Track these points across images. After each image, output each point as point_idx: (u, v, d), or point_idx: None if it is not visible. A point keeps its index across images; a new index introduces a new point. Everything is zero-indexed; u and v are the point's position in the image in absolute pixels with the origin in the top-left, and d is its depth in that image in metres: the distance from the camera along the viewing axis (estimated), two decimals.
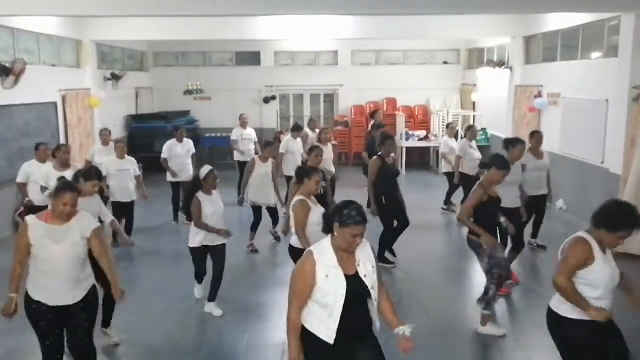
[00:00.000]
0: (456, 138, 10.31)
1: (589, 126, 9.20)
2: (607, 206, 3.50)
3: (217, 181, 5.76)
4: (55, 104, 10.49)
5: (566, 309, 3.50)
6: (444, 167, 10.26)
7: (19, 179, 7.43)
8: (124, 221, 8.02)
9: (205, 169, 5.72)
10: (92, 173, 5.44)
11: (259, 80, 15.98)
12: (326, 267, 3.11)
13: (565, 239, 3.62)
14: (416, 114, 15.99)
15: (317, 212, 4.96)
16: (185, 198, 5.76)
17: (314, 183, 5.17)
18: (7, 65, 8.54)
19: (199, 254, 5.84)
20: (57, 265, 3.82)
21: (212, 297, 5.87)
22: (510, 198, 6.29)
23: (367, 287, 3.16)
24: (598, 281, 3.44)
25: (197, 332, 5.56)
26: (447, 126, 10.57)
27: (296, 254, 4.94)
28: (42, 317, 3.89)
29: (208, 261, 5.92)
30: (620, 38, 8.33)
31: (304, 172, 5.33)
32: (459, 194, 9.63)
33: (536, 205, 7.42)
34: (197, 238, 5.74)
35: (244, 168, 9.10)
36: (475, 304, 5.83)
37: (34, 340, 5.16)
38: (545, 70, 11.03)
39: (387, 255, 7.35)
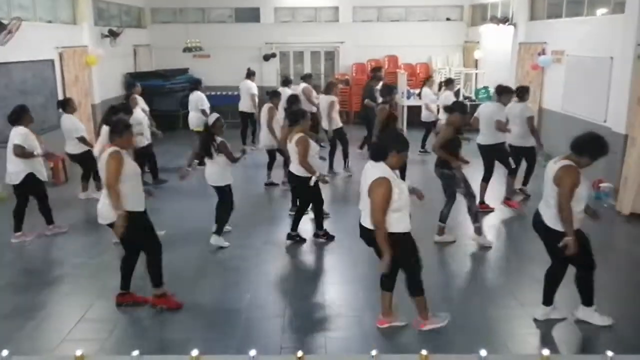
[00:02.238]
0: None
1: (593, 84, 9.10)
2: (590, 138, 4.44)
3: (224, 128, 6.59)
4: (52, 61, 10.37)
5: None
6: (424, 117, 11.58)
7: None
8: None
9: (213, 116, 6.63)
10: (129, 107, 7.96)
11: (259, 37, 15.73)
12: (397, 184, 4.22)
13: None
14: (418, 71, 15.80)
15: (314, 144, 6.53)
16: (201, 142, 6.63)
17: (308, 122, 6.60)
18: (4, 21, 8.37)
19: (230, 190, 6.67)
20: (139, 174, 5.14)
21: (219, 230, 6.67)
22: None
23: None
24: (582, 196, 4.36)
25: (199, 290, 5.63)
26: (428, 79, 12.13)
27: (297, 179, 6.55)
28: (148, 220, 5.05)
29: None
30: None
31: (299, 114, 6.64)
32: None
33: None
34: (228, 175, 6.60)
35: (252, 119, 11.49)
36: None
37: (40, 296, 5.27)
38: (550, 27, 10.84)
39: None
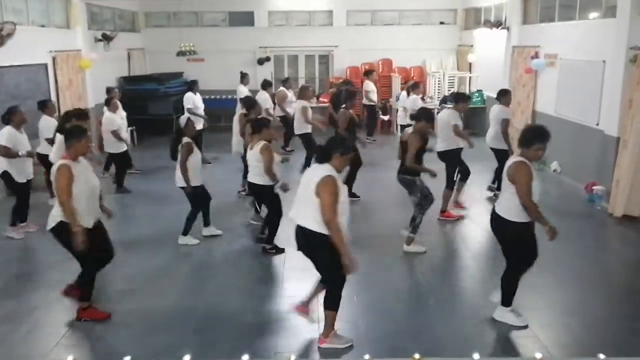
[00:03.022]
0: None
1: (585, 88, 9.14)
2: (525, 129, 4.77)
3: (194, 126, 6.77)
4: (45, 65, 10.34)
5: (511, 214, 4.58)
6: (400, 120, 11.80)
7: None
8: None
9: (184, 118, 6.71)
10: (84, 113, 7.43)
11: (253, 41, 15.74)
12: (342, 186, 4.28)
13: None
14: (412, 75, 15.83)
15: (274, 154, 6.38)
16: (170, 142, 6.73)
17: (273, 131, 6.51)
18: None
19: (198, 192, 6.67)
20: (95, 191, 4.86)
21: (186, 230, 6.80)
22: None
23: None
24: (536, 190, 4.49)
25: (191, 295, 5.61)
26: (405, 82, 12.60)
27: (255, 188, 6.52)
28: (94, 237, 4.75)
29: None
30: None
31: (263, 123, 6.50)
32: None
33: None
34: (194, 177, 6.57)
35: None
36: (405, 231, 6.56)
37: (32, 301, 5.25)
38: (543, 31, 10.89)
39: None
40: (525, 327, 4.77)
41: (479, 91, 14.09)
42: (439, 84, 15.01)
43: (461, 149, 7.70)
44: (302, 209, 4.33)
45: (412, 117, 6.72)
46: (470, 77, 14.72)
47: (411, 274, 6.05)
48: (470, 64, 14.93)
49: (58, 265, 6.22)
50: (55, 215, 4.72)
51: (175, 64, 15.27)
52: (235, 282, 5.82)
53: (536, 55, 10.80)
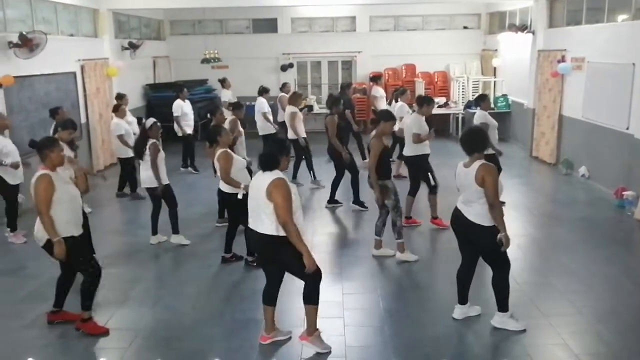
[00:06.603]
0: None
1: (614, 91, 8.98)
2: (474, 137, 4.76)
3: (160, 131, 7.00)
4: (74, 73, 10.54)
5: (488, 220, 4.53)
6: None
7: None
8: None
9: (150, 121, 6.84)
10: (73, 122, 7.22)
11: (276, 48, 15.84)
12: (292, 186, 4.36)
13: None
14: (436, 80, 15.77)
15: (239, 158, 6.36)
16: (135, 144, 7.17)
17: (228, 136, 6.36)
18: (29, 35, 8.53)
19: (166, 190, 6.85)
20: (77, 199, 4.85)
21: (176, 230, 7.02)
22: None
23: None
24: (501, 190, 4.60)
25: (219, 300, 5.65)
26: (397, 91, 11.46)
27: (223, 194, 6.35)
28: (85, 245, 4.97)
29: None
30: None
31: (216, 132, 6.29)
32: None
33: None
34: (162, 176, 6.78)
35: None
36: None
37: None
38: (569, 34, 10.74)
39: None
40: (524, 330, 4.75)
41: (504, 96, 13.95)
42: (463, 88, 14.91)
43: (426, 155, 7.46)
44: (257, 216, 4.37)
45: (372, 121, 6.68)
46: (494, 82, 14.58)
47: (437, 280, 5.99)
48: (494, 68, 14.79)
49: None
50: (43, 231, 4.65)
51: (199, 71, 15.44)
52: (260, 288, 5.82)
53: (563, 59, 10.65)
